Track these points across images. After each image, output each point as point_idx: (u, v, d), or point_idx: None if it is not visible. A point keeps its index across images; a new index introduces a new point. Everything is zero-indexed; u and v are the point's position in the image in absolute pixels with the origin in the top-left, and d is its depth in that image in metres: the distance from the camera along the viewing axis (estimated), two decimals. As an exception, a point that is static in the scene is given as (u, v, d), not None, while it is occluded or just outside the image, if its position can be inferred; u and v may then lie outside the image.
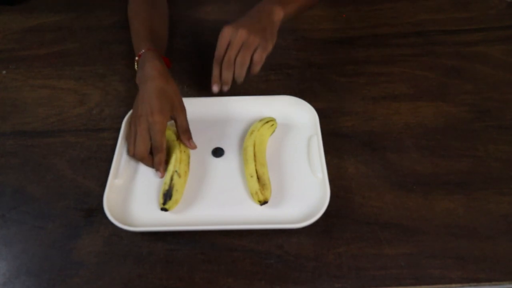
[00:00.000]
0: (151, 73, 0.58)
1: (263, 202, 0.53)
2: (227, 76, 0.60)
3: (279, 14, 0.64)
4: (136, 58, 0.63)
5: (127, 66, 0.76)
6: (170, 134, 0.60)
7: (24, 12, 0.89)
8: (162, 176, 0.56)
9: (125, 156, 0.59)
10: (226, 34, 0.60)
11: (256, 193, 0.53)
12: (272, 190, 0.55)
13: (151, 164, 0.58)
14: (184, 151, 0.58)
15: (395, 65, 0.74)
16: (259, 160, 0.56)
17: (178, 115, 0.58)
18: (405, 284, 0.48)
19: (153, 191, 0.56)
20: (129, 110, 0.64)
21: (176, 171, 0.55)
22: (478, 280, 0.48)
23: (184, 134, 0.58)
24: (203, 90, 0.61)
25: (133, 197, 0.56)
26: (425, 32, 0.81)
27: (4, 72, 0.76)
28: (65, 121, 0.67)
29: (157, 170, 0.56)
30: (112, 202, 0.53)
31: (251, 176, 0.54)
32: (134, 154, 0.57)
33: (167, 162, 0.57)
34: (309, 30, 0.79)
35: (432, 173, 0.58)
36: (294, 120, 0.64)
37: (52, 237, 0.53)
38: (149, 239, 0.52)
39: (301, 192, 0.55)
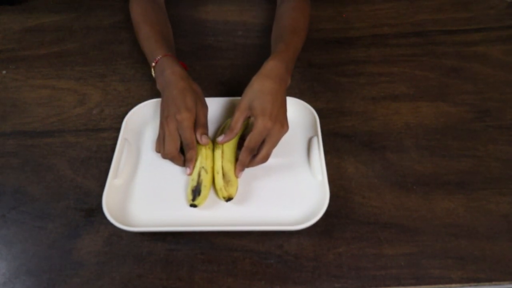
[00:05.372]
0: (173, 77, 0.59)
1: (228, 199, 0.53)
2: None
3: (287, 83, 0.60)
4: (153, 64, 0.63)
5: (127, 66, 0.76)
6: None
7: (24, 12, 0.89)
8: (190, 173, 0.56)
9: (124, 156, 0.59)
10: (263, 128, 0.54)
11: (221, 189, 0.53)
12: (272, 191, 0.55)
13: (182, 163, 0.58)
14: (209, 147, 0.58)
15: (395, 65, 0.74)
16: (226, 157, 0.56)
17: (198, 111, 0.58)
18: (405, 284, 0.48)
19: (153, 191, 0.56)
20: (129, 110, 0.64)
21: (203, 167, 0.55)
22: (478, 280, 0.48)
23: (199, 129, 0.57)
24: (202, 90, 0.61)
25: (133, 197, 0.56)
26: (425, 32, 0.81)
27: (4, 72, 0.76)
28: (65, 121, 0.67)
29: (187, 167, 0.56)
30: (112, 202, 0.53)
31: (217, 173, 0.55)
32: (164, 154, 0.57)
33: None
34: (309, 30, 0.79)
35: (432, 173, 0.58)
36: (294, 121, 0.64)
37: (52, 237, 0.53)
38: (149, 239, 0.52)
39: (301, 193, 0.55)
